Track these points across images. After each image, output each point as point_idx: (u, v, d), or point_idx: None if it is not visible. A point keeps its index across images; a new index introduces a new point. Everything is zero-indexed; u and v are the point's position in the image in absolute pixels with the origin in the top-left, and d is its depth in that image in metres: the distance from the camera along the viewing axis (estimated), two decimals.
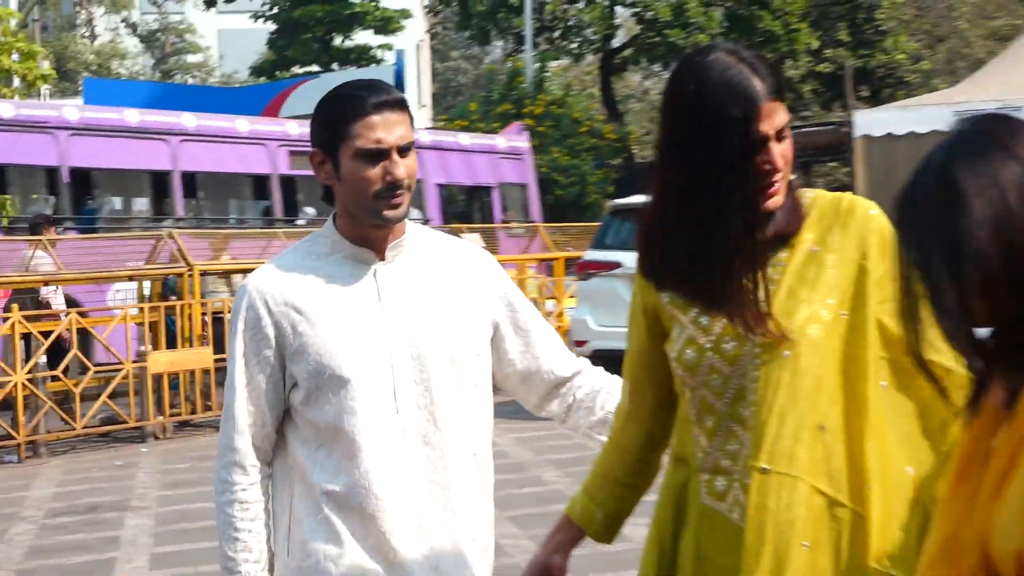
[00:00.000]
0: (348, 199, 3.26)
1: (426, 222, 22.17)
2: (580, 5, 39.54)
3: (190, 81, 57.00)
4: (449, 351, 3.30)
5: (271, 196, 21.81)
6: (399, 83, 35.62)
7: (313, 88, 35.27)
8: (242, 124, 21.67)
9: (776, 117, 2.81)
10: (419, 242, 3.43)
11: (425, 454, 3.25)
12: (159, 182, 20.63)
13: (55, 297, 15.40)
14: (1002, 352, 2.21)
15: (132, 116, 20.31)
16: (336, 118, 3.23)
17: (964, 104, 16.45)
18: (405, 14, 43.10)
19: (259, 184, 22.14)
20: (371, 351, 3.24)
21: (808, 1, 38.89)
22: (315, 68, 40.89)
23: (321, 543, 3.26)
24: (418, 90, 51.96)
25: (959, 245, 2.14)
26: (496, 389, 3.48)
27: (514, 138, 27.18)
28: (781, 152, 2.82)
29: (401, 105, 3.24)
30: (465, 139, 26.23)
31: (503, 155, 25.89)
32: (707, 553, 2.91)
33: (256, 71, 44.07)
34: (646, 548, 3.04)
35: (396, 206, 3.23)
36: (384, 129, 3.19)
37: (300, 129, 22.04)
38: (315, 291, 3.28)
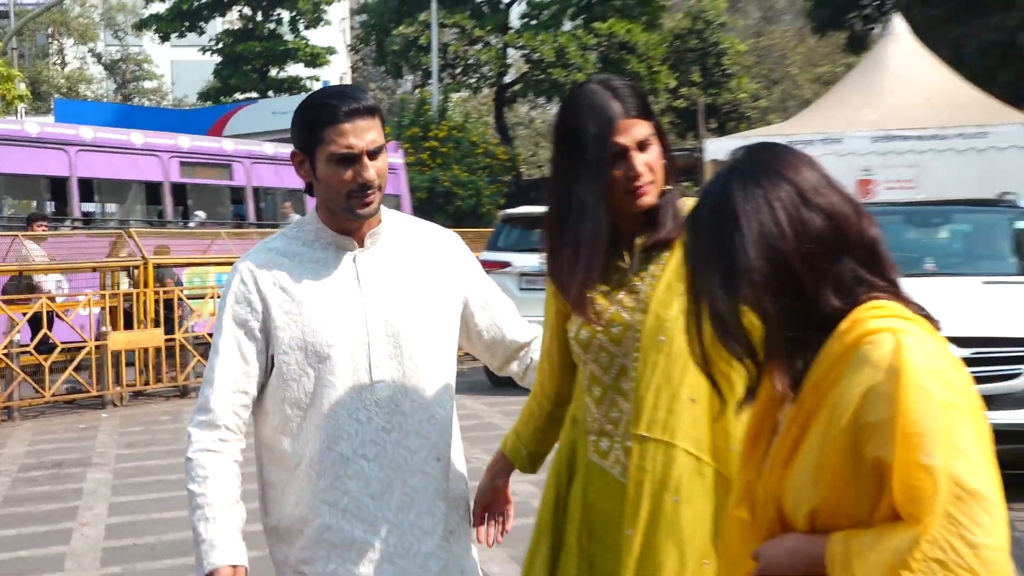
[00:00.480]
0: (325, 196, 3.12)
1: None
2: (478, 47, 39.52)
3: (146, 103, 56.25)
4: (421, 329, 3.16)
5: (163, 201, 21.12)
6: None
7: (252, 111, 35.05)
8: (137, 137, 20.86)
9: (635, 131, 2.85)
10: (395, 229, 3.27)
11: (397, 422, 3.10)
12: (58, 187, 19.96)
13: (47, 282, 15.24)
14: (775, 348, 2.24)
15: (32, 128, 19.73)
16: (311, 124, 3.05)
17: (794, 135, 16.66)
18: (331, 51, 42.96)
19: (152, 190, 21.44)
20: (350, 329, 3.09)
21: (667, 48, 39.26)
22: (254, 95, 40.63)
23: (292, 506, 3.12)
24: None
25: (732, 260, 2.15)
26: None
27: (390, 155, 26.71)
28: (644, 161, 2.86)
29: (371, 111, 3.04)
30: None
31: None
32: (592, 500, 2.96)
33: (203, 96, 43.74)
34: (544, 492, 3.08)
35: (367, 204, 3.08)
36: (355, 135, 3.01)
37: (191, 143, 21.72)
38: (300, 273, 3.13)
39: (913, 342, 2.10)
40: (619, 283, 2.96)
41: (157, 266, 15.32)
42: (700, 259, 2.24)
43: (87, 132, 20.23)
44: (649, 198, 2.89)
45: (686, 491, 2.79)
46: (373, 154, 3.05)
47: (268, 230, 19.55)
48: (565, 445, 3.06)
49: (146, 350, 14.71)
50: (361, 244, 3.19)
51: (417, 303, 3.19)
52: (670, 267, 2.90)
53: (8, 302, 13.81)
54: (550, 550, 3.03)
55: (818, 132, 16.82)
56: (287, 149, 22.35)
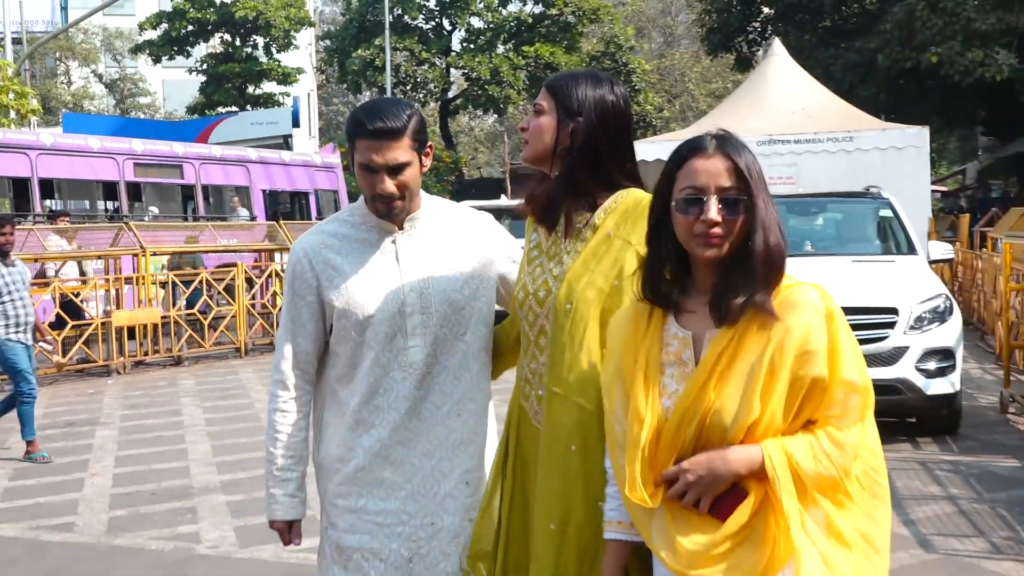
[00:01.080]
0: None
1: (253, 218, 21.61)
2: (425, 67, 39.47)
3: (142, 116, 55.44)
4: (452, 301, 3.12)
5: (119, 198, 20.18)
6: (295, 120, 35.09)
7: (233, 122, 34.60)
8: (94, 142, 19.99)
9: (535, 106, 2.98)
10: (433, 214, 3.23)
11: (427, 381, 3.09)
12: (20, 187, 19.04)
13: (50, 268, 14.96)
14: (730, 287, 2.37)
15: None
16: (350, 133, 3.04)
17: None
18: (299, 71, 42.57)
19: (109, 189, 20.59)
20: (388, 300, 3.07)
21: (584, 67, 39.30)
22: (234, 108, 40.18)
23: (334, 447, 3.13)
24: (309, 125, 51.25)
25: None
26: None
27: (327, 155, 26.18)
28: (526, 121, 2.99)
29: (396, 132, 2.98)
30: (287, 156, 24.88)
31: (318, 168, 24.63)
32: (521, 438, 2.98)
33: (191, 110, 43.21)
34: (506, 421, 3.07)
35: (389, 210, 3.06)
36: (376, 152, 2.97)
37: (144, 146, 20.88)
38: (347, 252, 3.12)
39: (827, 292, 2.40)
40: (553, 255, 2.95)
41: (153, 254, 15.16)
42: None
43: (47, 137, 19.54)
44: (523, 153, 2.97)
45: (579, 440, 2.75)
46: (393, 170, 3.01)
47: (218, 223, 19.11)
48: (516, 384, 3.06)
49: (145, 326, 14.55)
50: (401, 227, 3.15)
51: (450, 279, 3.15)
52: (589, 246, 2.86)
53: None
54: (501, 476, 3.03)
55: None
56: (234, 152, 21.73)
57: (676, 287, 2.47)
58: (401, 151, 3.00)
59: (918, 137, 15.98)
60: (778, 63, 18.66)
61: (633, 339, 2.49)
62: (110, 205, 20.42)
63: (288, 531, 3.17)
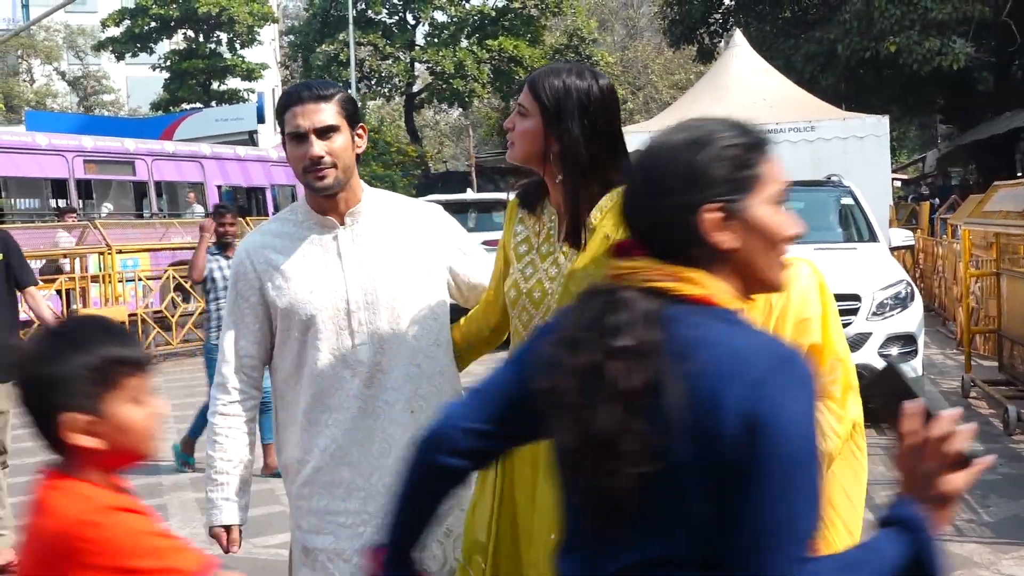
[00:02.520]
0: (296, 176, 3.06)
1: (209, 215, 21.32)
2: (389, 61, 39.34)
3: (106, 114, 55.00)
4: (398, 296, 3.04)
5: (69, 196, 19.76)
6: (260, 116, 34.91)
7: (197, 119, 34.39)
8: (41, 139, 19.68)
9: (519, 106, 2.82)
10: (376, 207, 3.13)
11: (377, 379, 3.02)
12: None
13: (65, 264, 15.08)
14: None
15: None
16: (279, 110, 3.03)
17: (657, 132, 16.73)
18: (264, 67, 42.41)
19: (58, 186, 20.11)
20: (332, 299, 3.01)
21: (548, 61, 39.27)
22: (198, 105, 39.94)
23: (292, 449, 3.11)
24: (274, 121, 51.01)
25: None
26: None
27: (284, 151, 25.99)
28: (511, 124, 2.83)
29: (321, 98, 2.96)
30: (242, 151, 24.56)
31: (274, 163, 24.09)
32: None
33: (155, 107, 42.94)
34: None
35: (321, 178, 2.97)
36: (303, 116, 2.94)
37: (94, 143, 20.55)
38: (289, 251, 3.06)
39: (817, 267, 2.59)
40: (547, 254, 2.88)
41: (119, 252, 15.07)
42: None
43: None
44: (509, 153, 2.86)
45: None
46: (322, 133, 2.96)
47: (171, 220, 18.82)
48: None
49: None
50: (342, 222, 3.09)
51: (395, 273, 3.07)
52: (589, 249, 2.76)
53: None
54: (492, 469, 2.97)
55: None
56: (187, 147, 21.42)
57: None
58: (328, 115, 2.97)
59: (878, 126, 16.09)
60: (740, 54, 18.72)
61: None
62: (62, 203, 20.03)
63: (226, 536, 3.08)
